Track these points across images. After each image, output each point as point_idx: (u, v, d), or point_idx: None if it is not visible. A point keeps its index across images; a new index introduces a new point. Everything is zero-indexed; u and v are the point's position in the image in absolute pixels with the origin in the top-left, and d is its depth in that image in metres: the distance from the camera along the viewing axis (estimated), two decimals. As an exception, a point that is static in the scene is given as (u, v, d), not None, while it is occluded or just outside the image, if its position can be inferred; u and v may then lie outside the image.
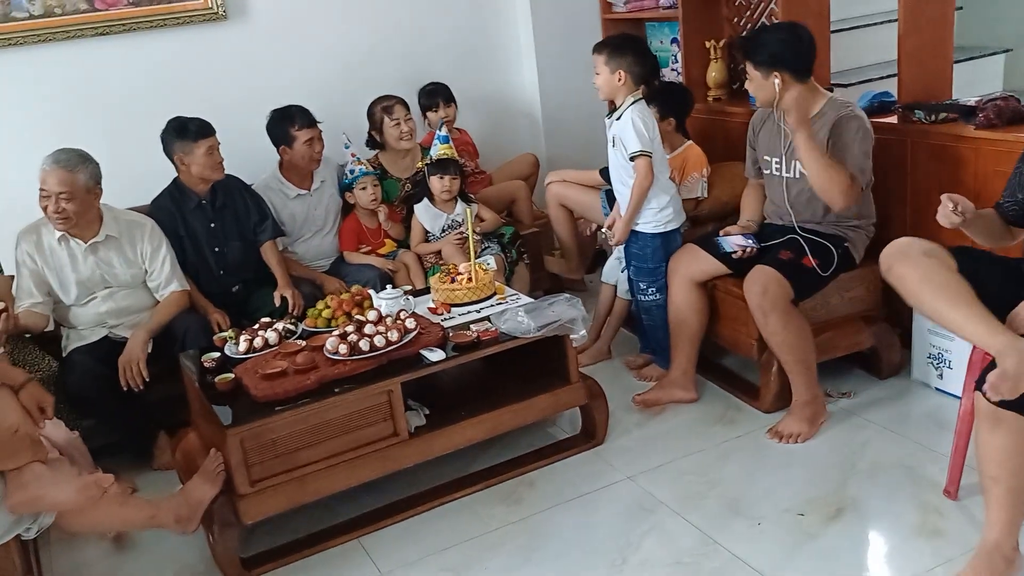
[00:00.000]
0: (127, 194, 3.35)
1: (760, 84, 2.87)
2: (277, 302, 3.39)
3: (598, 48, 3.13)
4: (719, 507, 2.57)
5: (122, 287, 3.16)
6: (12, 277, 3.13)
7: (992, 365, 1.98)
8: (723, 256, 3.02)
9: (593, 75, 3.14)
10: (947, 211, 2.19)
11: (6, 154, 3.56)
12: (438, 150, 3.63)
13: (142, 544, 2.70)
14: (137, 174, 3.44)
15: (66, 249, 3.08)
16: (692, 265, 3.05)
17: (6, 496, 2.15)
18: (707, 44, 3.89)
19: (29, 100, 3.60)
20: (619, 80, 3.06)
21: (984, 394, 2.00)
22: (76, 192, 2.98)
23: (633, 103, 3.07)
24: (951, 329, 2.12)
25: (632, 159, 3.05)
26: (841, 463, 2.71)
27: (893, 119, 3.18)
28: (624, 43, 3.10)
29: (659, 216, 3.13)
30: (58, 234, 3.06)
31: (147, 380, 2.98)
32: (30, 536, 2.28)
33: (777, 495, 2.59)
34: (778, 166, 3.03)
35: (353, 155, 3.74)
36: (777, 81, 2.81)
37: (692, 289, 3.05)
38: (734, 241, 3.01)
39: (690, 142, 3.52)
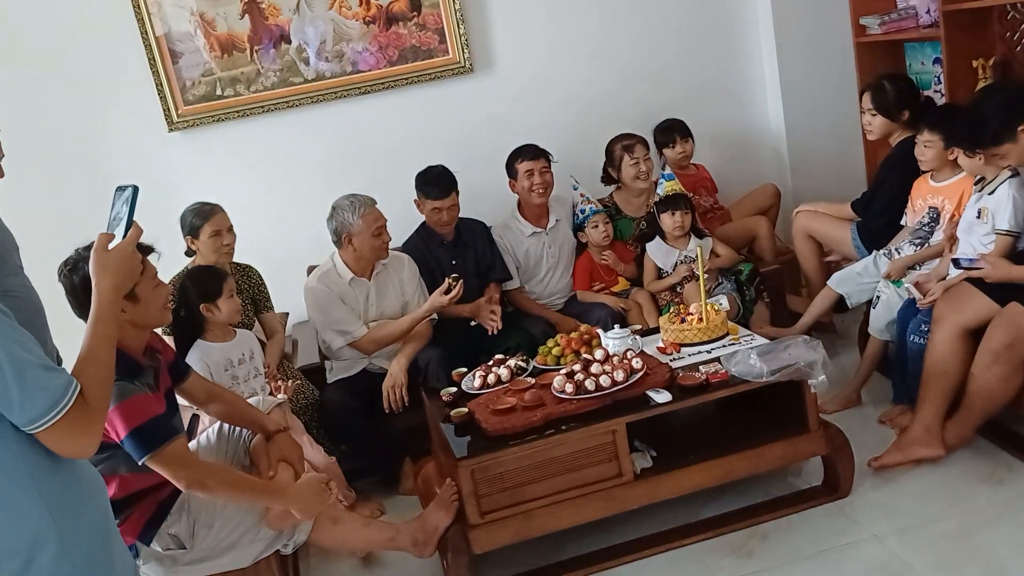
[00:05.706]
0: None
1: None
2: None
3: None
4: (980, 579, 2.29)
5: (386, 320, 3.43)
6: (286, 314, 3.51)
7: None
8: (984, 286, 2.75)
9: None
10: None
11: (289, 203, 4.01)
12: (664, 188, 3.63)
13: (386, 563, 2.88)
14: (394, 219, 3.67)
15: (356, 290, 3.42)
16: (968, 309, 2.76)
17: (263, 515, 2.39)
18: (974, 63, 3.55)
19: (303, 155, 4.03)
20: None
21: None
22: None
23: (1011, 177, 2.87)
24: None
25: (998, 233, 2.88)
26: None
27: None
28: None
29: None
30: (348, 277, 3.39)
31: (407, 404, 3.24)
32: (288, 552, 2.50)
33: (1055, 571, 2.26)
34: None
35: (583, 195, 3.81)
36: None
37: (961, 337, 2.76)
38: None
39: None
